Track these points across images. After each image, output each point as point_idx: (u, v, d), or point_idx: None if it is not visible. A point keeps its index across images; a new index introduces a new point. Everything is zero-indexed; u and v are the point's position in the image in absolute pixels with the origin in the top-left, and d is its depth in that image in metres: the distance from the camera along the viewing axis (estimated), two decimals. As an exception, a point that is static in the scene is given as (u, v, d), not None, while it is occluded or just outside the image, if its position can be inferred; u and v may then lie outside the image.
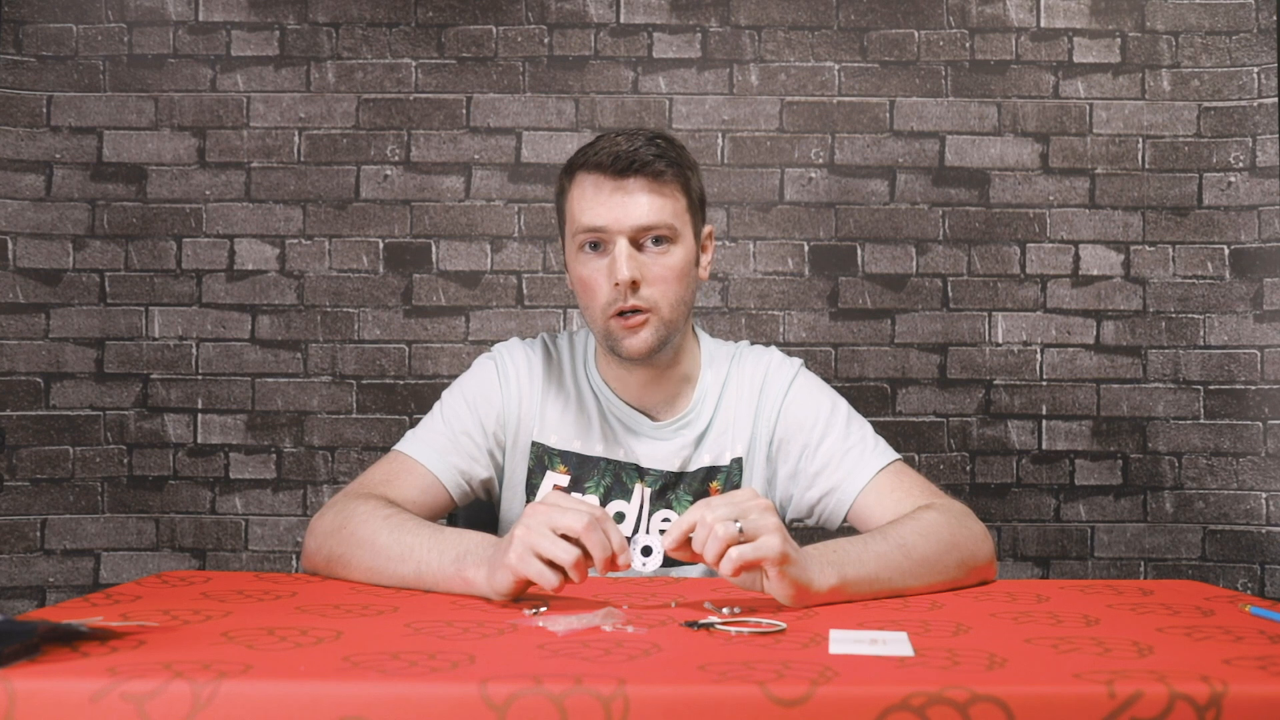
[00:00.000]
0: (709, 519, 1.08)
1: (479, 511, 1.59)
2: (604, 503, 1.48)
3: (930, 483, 1.43)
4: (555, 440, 1.49)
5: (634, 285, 1.37)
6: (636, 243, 1.39)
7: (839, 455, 1.44)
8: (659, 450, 1.48)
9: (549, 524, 1.09)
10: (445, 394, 1.52)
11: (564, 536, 1.09)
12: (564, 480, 1.48)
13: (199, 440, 2.79)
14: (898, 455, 1.46)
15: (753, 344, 1.58)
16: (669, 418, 1.50)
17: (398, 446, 1.47)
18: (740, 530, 1.07)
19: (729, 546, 1.07)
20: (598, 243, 1.40)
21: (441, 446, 1.46)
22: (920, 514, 1.33)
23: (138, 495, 2.78)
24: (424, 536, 1.23)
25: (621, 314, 1.39)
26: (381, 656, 0.86)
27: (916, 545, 1.25)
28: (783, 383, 1.50)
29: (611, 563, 1.09)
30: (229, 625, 0.98)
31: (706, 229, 1.49)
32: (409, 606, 1.11)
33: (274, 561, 2.79)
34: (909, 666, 0.85)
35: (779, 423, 1.48)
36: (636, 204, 1.37)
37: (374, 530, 1.27)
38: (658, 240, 1.39)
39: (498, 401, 1.49)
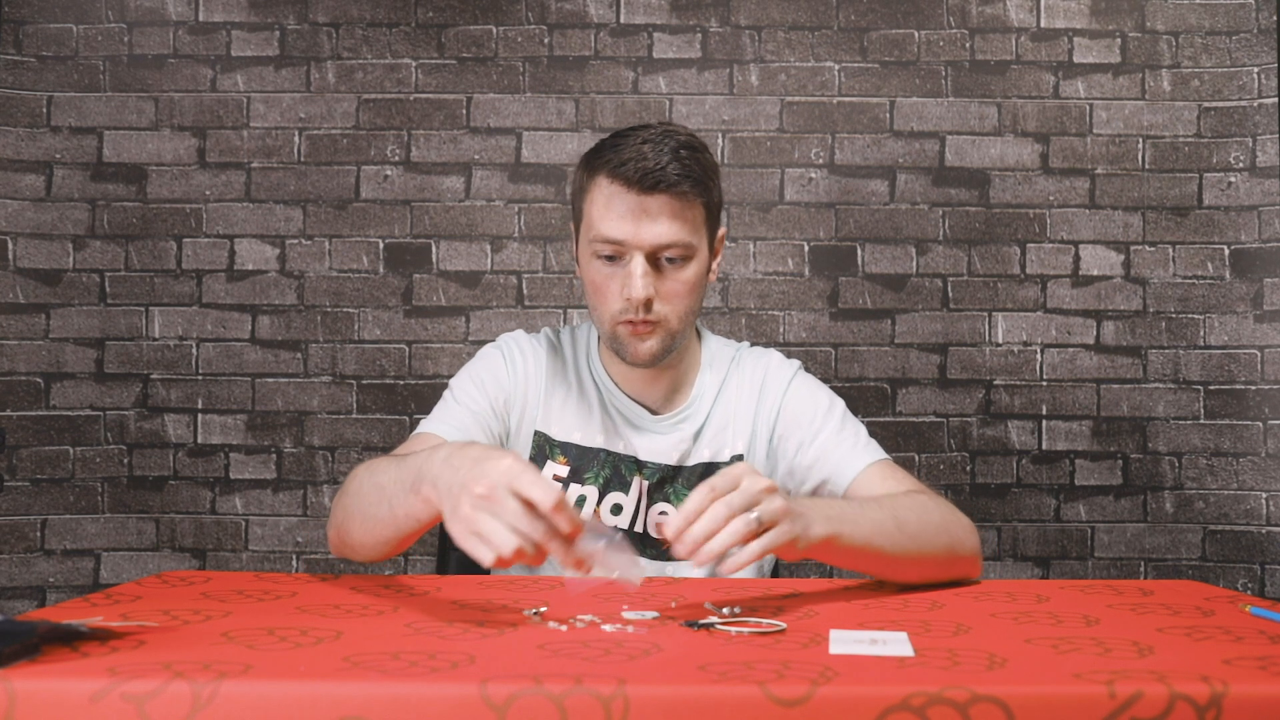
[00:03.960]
0: (722, 513, 1.04)
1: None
2: (602, 495, 1.49)
3: (919, 481, 1.45)
4: (557, 431, 1.50)
5: (647, 303, 1.38)
6: (653, 258, 1.38)
7: (832, 448, 1.46)
8: (657, 444, 1.49)
9: (491, 515, 1.00)
10: (453, 381, 1.53)
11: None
12: (563, 471, 1.49)
13: (199, 440, 2.79)
14: (888, 456, 1.48)
15: (753, 345, 1.59)
16: (668, 411, 1.51)
17: (415, 432, 1.47)
18: (758, 519, 1.05)
19: (745, 539, 1.05)
20: (613, 254, 1.39)
21: (459, 423, 1.46)
22: (915, 494, 1.35)
23: (138, 495, 2.78)
24: (392, 473, 1.19)
25: (629, 321, 1.40)
26: (381, 656, 0.86)
27: (910, 521, 1.26)
28: (782, 381, 1.52)
29: (581, 565, 1.02)
30: (229, 625, 0.98)
31: (720, 232, 1.49)
32: (409, 606, 1.11)
33: (274, 561, 2.79)
34: (909, 666, 0.85)
35: (778, 420, 1.50)
36: (657, 224, 1.36)
37: (359, 483, 1.27)
38: (674, 256, 1.39)
39: (506, 384, 1.51)
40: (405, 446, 1.46)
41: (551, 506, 0.99)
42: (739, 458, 1.50)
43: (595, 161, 1.40)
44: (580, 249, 1.45)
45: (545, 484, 1.00)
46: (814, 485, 1.47)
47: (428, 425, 1.47)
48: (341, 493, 1.33)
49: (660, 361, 1.44)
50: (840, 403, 1.52)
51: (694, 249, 1.40)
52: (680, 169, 1.35)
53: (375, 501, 1.22)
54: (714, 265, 1.49)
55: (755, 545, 1.05)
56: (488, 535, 1.00)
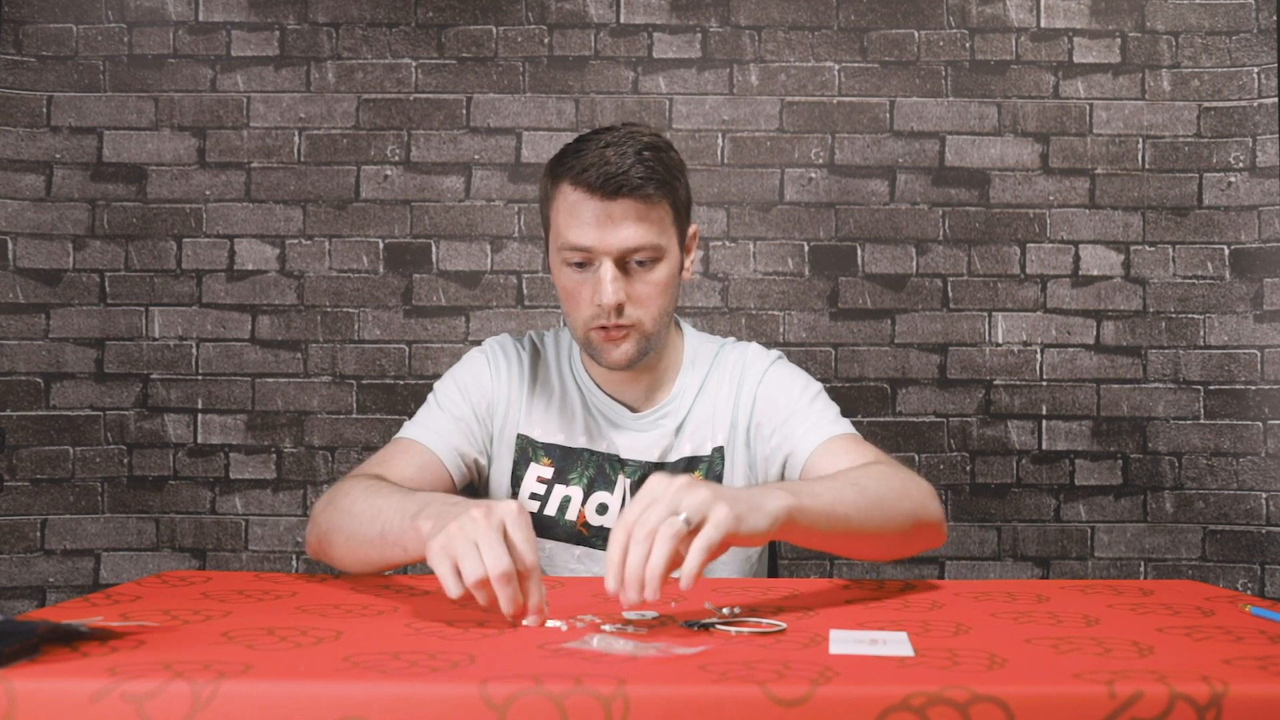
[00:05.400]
0: (643, 534, 0.98)
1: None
2: (587, 495, 1.49)
3: (882, 453, 1.42)
4: (539, 433, 1.51)
5: (619, 307, 1.37)
6: (621, 262, 1.37)
7: (797, 424, 1.45)
8: (638, 441, 1.50)
9: (473, 541, 1.00)
10: (437, 385, 1.54)
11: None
12: (547, 472, 1.49)
13: (199, 440, 2.79)
14: (857, 433, 1.46)
15: (737, 341, 1.59)
16: (648, 408, 1.51)
17: (397, 435, 1.48)
18: (686, 521, 0.99)
19: (679, 542, 0.99)
20: (582, 261, 1.38)
21: (441, 428, 1.47)
22: (871, 464, 1.33)
23: (138, 495, 2.78)
24: (394, 499, 1.21)
25: (603, 327, 1.39)
26: (381, 656, 0.86)
27: (870, 487, 1.24)
28: (759, 370, 1.52)
29: (520, 616, 1.00)
30: (229, 625, 0.98)
31: (691, 229, 1.48)
32: (409, 606, 1.11)
33: (274, 561, 2.79)
34: (909, 666, 0.85)
35: (755, 408, 1.50)
36: (622, 229, 1.35)
37: (353, 499, 1.27)
38: (643, 259, 1.38)
39: (489, 389, 1.51)
40: (386, 450, 1.46)
41: (530, 561, 1.00)
42: (720, 450, 1.50)
43: (559, 169, 1.40)
44: (551, 257, 1.45)
45: (531, 538, 1.01)
46: (781, 459, 1.46)
47: (409, 429, 1.48)
48: (329, 503, 1.32)
49: (637, 364, 1.44)
50: (816, 386, 1.51)
51: (663, 250, 1.39)
52: (644, 171, 1.34)
53: (369, 521, 1.22)
54: (687, 263, 1.48)
55: (696, 546, 0.98)
56: (461, 557, 0.99)
